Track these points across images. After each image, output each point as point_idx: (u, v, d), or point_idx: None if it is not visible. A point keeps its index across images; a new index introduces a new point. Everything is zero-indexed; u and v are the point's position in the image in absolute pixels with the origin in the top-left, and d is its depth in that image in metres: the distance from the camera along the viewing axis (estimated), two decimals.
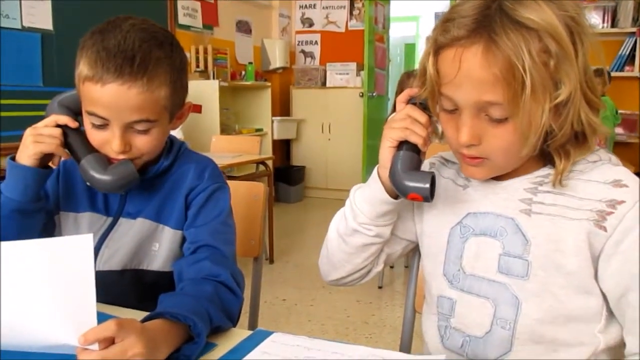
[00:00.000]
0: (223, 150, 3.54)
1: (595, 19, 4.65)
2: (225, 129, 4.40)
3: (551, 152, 0.77)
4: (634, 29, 4.56)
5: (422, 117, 0.82)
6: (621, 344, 0.78)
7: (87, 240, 0.67)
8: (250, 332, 0.84)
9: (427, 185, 0.77)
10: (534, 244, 0.78)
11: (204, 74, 4.35)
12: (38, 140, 0.92)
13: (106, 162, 0.94)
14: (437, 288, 0.88)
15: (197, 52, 4.35)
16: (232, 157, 3.27)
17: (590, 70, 0.74)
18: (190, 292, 0.88)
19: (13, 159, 0.93)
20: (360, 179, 5.09)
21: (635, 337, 0.74)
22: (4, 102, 2.85)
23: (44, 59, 3.08)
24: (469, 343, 0.83)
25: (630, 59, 4.62)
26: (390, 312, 2.83)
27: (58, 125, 0.94)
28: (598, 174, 0.77)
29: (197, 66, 4.35)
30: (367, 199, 0.87)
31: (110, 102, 0.89)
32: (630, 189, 0.74)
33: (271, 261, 3.56)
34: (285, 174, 5.56)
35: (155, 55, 0.90)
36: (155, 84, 0.90)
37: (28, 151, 0.92)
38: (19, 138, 0.94)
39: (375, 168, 0.86)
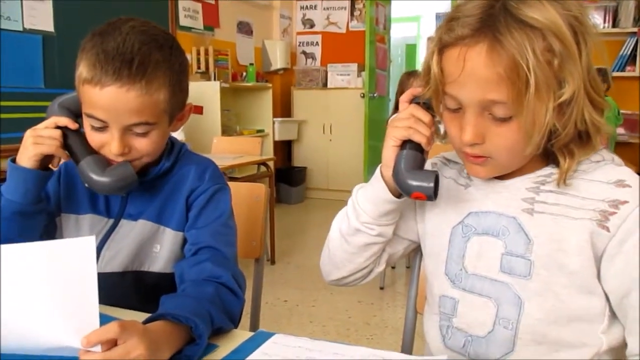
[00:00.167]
0: (224, 151, 3.54)
1: (596, 19, 4.65)
2: (226, 130, 4.40)
3: (555, 151, 0.77)
4: (635, 29, 4.55)
5: (425, 116, 0.82)
6: (624, 345, 0.77)
7: (89, 242, 0.67)
8: (252, 333, 0.84)
9: (431, 184, 0.77)
10: (536, 243, 0.78)
11: (205, 75, 4.36)
12: (38, 142, 0.92)
13: (105, 163, 0.93)
14: (439, 288, 0.88)
15: (198, 53, 4.36)
16: (233, 158, 3.27)
17: (593, 70, 0.74)
18: (191, 294, 0.88)
19: (14, 160, 0.93)
20: (361, 179, 5.05)
21: (636, 337, 0.74)
22: (5, 104, 2.85)
23: (45, 60, 3.07)
24: (471, 343, 0.83)
25: (632, 59, 4.61)
26: (391, 313, 2.83)
27: (58, 127, 0.94)
28: (601, 174, 0.77)
29: (198, 67, 4.36)
30: (370, 198, 0.87)
31: (109, 104, 0.88)
32: (633, 189, 0.74)
33: (272, 262, 3.56)
34: (286, 175, 5.56)
35: (155, 58, 0.90)
36: (154, 86, 0.90)
37: (28, 153, 0.92)
38: (20, 140, 0.94)
39: (378, 167, 0.86)
